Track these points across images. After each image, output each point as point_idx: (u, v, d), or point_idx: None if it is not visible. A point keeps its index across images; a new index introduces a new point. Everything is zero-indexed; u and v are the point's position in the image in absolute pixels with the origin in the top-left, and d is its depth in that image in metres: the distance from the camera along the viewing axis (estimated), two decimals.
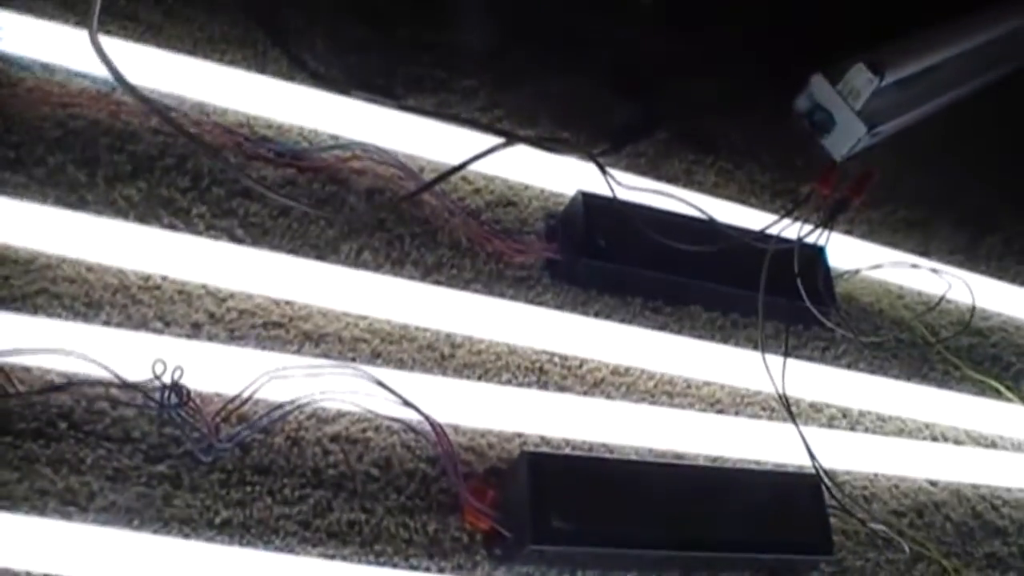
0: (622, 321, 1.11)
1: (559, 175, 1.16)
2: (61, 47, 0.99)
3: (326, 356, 0.96)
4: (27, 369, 0.84)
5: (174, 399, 0.83)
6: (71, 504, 0.81)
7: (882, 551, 1.10)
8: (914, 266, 1.28)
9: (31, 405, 0.83)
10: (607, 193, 1.09)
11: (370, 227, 1.04)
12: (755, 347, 1.10)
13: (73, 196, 0.93)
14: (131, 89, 0.95)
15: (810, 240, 1.11)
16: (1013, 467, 1.25)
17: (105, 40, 0.98)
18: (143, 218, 0.95)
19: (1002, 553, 1.17)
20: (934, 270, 1.26)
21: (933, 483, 1.19)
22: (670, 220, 1.12)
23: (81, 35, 0.95)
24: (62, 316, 0.88)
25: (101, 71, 0.96)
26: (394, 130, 1.11)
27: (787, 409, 1.06)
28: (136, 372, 0.84)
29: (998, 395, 1.28)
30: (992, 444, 1.27)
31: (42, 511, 0.80)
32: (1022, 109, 1.61)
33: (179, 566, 0.81)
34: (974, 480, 1.22)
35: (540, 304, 1.08)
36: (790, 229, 1.10)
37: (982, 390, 1.28)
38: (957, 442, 1.24)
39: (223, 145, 1.02)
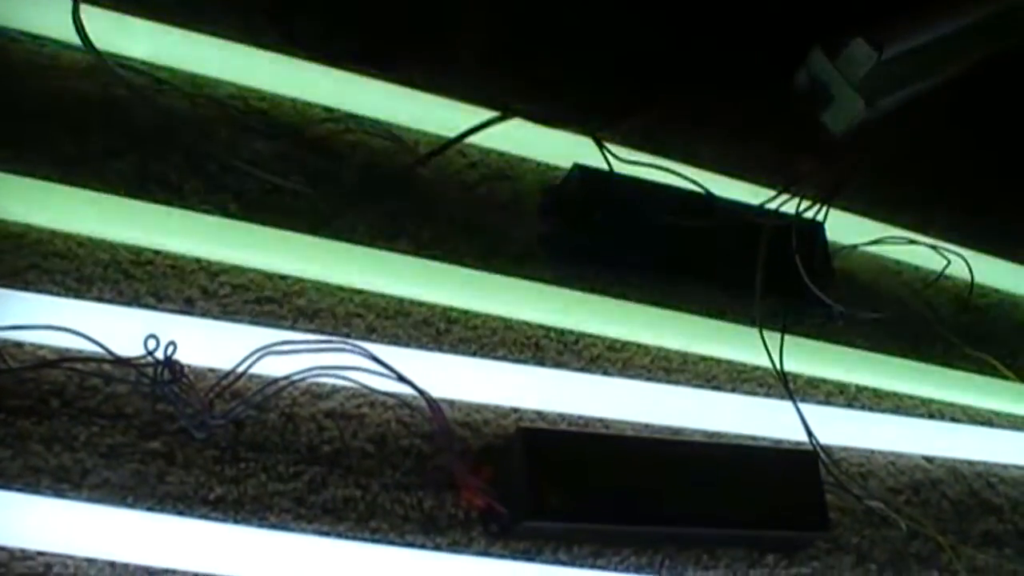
0: (618, 296, 1.10)
1: (556, 149, 1.15)
2: (50, 19, 0.97)
3: (320, 331, 0.95)
4: (19, 345, 0.83)
5: (167, 375, 0.82)
6: (64, 481, 0.80)
7: (878, 528, 1.09)
8: (912, 242, 1.27)
9: (23, 382, 0.82)
10: (604, 167, 1.08)
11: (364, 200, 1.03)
12: (752, 323, 1.09)
13: (64, 170, 0.92)
14: (97, 56, 0.94)
15: (808, 215, 1.11)
16: (1009, 444, 1.25)
17: (96, 11, 0.97)
18: (135, 192, 0.94)
19: (998, 531, 1.17)
20: (932, 246, 1.26)
21: (929, 460, 1.19)
22: (667, 194, 1.11)
23: (68, 6, 0.95)
24: (53, 292, 0.87)
25: (94, 44, 0.95)
26: (389, 103, 1.10)
27: (785, 385, 1.06)
28: (129, 348, 0.82)
29: (995, 372, 1.28)
30: (988, 421, 1.26)
31: (35, 488, 0.79)
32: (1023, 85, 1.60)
33: (173, 543, 0.80)
34: (970, 457, 1.22)
35: (536, 279, 1.07)
36: (788, 204, 1.10)
37: (979, 367, 1.28)
38: (954, 419, 1.24)
39: (215, 118, 1.01)
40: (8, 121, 0.92)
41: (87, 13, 0.96)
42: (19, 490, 0.78)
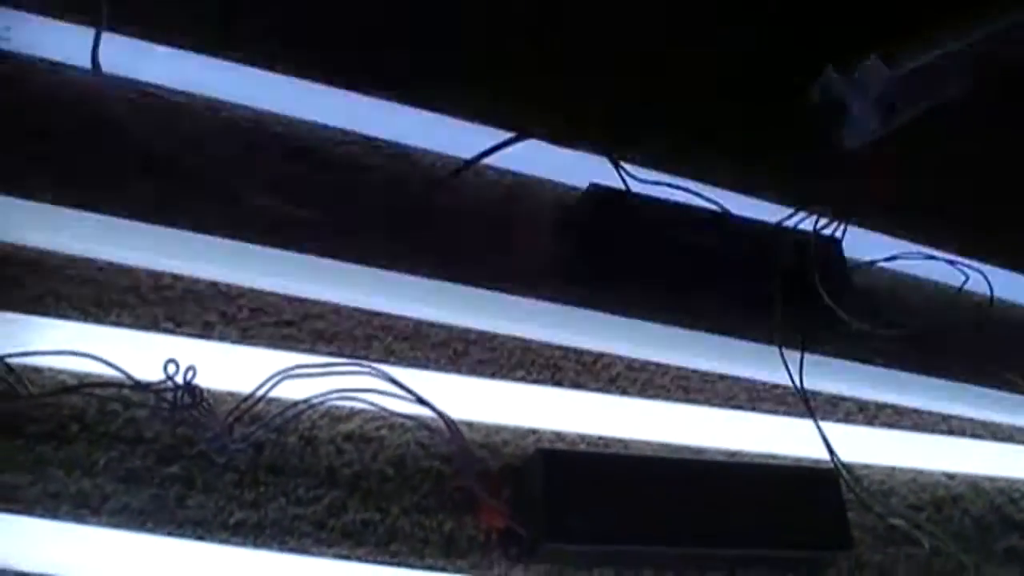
0: (637, 316, 1.10)
1: (572, 168, 1.14)
2: (69, 46, 0.98)
3: (339, 354, 0.95)
4: (38, 371, 0.84)
5: (187, 399, 0.83)
6: (84, 506, 0.80)
7: (901, 546, 1.09)
8: (930, 257, 1.27)
9: (43, 407, 0.82)
10: (620, 187, 1.08)
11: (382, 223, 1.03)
12: (772, 341, 1.09)
13: (82, 196, 0.92)
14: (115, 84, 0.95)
15: (825, 232, 1.11)
16: None
17: (115, 37, 0.98)
18: (153, 217, 0.94)
19: (1021, 547, 1.16)
20: (950, 261, 1.25)
21: (951, 476, 1.18)
22: (684, 213, 1.11)
23: (88, 34, 0.95)
24: (72, 317, 0.87)
25: (114, 70, 0.96)
26: (405, 125, 1.10)
27: (805, 403, 1.05)
28: (148, 373, 0.83)
29: (1016, 387, 1.27)
30: (1010, 437, 1.25)
31: (55, 514, 0.79)
32: None
33: (193, 567, 0.81)
34: (992, 473, 1.21)
35: (554, 299, 1.07)
36: (805, 221, 1.10)
37: (1000, 382, 1.26)
38: (975, 435, 1.23)
39: (233, 142, 1.01)
40: (28, 147, 0.93)
41: (106, 38, 0.97)
42: (39, 516, 0.78)
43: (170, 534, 0.82)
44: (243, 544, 0.84)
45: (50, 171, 0.93)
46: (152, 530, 0.81)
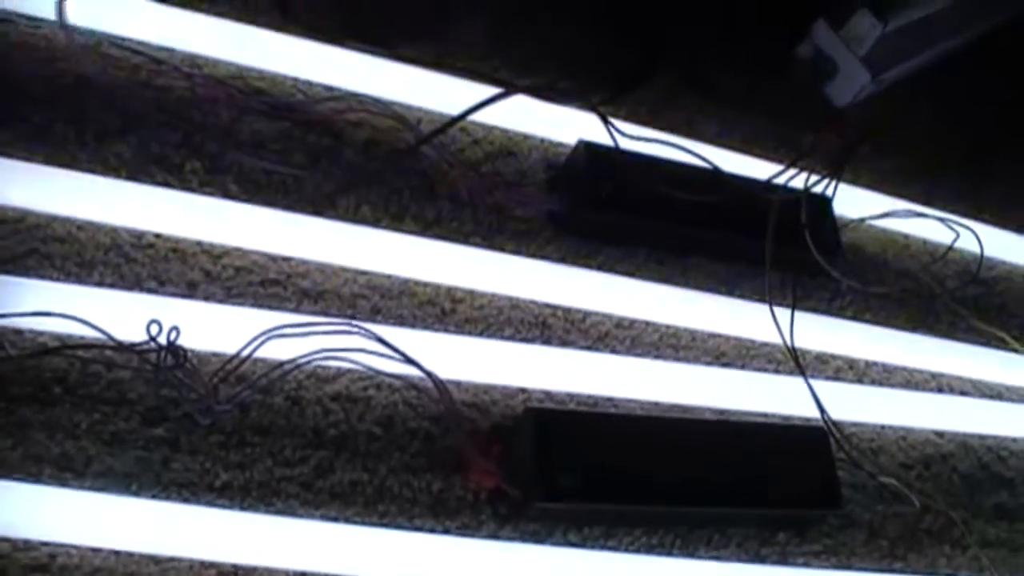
0: (626, 273, 1.09)
1: (560, 125, 1.13)
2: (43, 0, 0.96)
3: (325, 313, 0.94)
4: (19, 332, 0.82)
5: (170, 360, 0.81)
6: (67, 470, 0.79)
7: (890, 503, 1.09)
8: (920, 215, 1.26)
9: (24, 369, 0.81)
10: (609, 143, 1.06)
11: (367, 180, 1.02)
12: (761, 298, 1.08)
13: (62, 153, 0.91)
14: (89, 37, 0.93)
15: (816, 189, 1.10)
16: (1019, 418, 1.24)
17: None
18: (135, 175, 0.92)
19: (1010, 504, 1.16)
20: (940, 219, 1.24)
21: (940, 434, 1.18)
22: (674, 170, 1.10)
23: None
24: (53, 277, 0.85)
25: (87, 24, 0.94)
26: (390, 80, 1.08)
27: (795, 361, 1.04)
28: (131, 333, 0.81)
29: (1004, 345, 1.26)
30: (998, 395, 1.25)
31: (38, 478, 0.78)
32: None
33: (179, 531, 0.79)
34: (981, 431, 1.21)
35: (542, 257, 1.06)
36: (796, 178, 1.09)
37: (988, 340, 1.26)
38: (963, 393, 1.23)
39: (215, 98, 0.99)
40: (4, 104, 0.91)
41: None
42: (21, 479, 0.77)
43: (155, 497, 0.81)
44: (229, 506, 0.83)
45: (28, 128, 0.91)
46: (137, 493, 0.80)
